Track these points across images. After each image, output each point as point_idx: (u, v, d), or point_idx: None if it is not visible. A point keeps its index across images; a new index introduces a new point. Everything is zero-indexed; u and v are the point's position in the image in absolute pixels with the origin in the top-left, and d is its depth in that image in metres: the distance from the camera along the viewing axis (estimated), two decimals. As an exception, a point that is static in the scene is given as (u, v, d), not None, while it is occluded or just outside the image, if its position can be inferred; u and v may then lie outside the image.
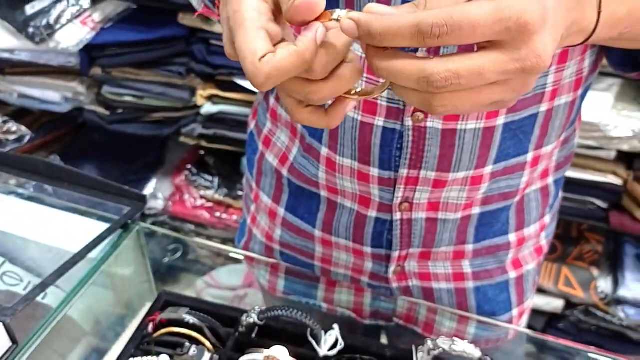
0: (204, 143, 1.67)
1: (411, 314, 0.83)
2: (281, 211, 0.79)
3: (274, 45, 0.38)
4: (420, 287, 0.79)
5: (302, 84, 0.40)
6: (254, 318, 0.71)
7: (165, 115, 1.65)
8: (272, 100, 0.76)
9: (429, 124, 0.60)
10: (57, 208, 0.96)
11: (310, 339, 0.71)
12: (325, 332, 0.72)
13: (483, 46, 0.37)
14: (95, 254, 0.88)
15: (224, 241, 1.80)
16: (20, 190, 0.99)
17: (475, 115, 0.59)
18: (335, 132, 0.66)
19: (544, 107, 0.62)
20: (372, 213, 0.71)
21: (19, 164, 0.97)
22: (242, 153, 1.68)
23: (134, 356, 0.69)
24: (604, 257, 1.68)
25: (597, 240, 1.70)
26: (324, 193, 0.74)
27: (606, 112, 1.34)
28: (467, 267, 0.76)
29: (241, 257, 0.95)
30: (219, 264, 1.89)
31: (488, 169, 0.65)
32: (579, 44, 0.46)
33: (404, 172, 0.65)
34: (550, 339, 0.83)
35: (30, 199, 0.98)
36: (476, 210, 0.70)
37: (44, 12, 1.51)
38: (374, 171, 0.66)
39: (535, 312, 1.66)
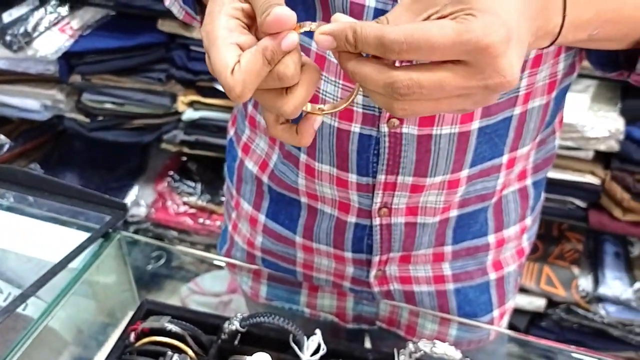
0: (185, 149, 1.67)
1: (393, 317, 0.84)
2: (262, 218, 0.80)
3: None
4: (401, 290, 0.79)
5: (273, 97, 0.41)
6: (236, 325, 0.71)
7: (146, 121, 1.65)
8: (250, 107, 0.76)
9: (404, 130, 0.61)
10: (37, 218, 0.95)
11: (293, 344, 0.71)
12: (308, 338, 0.73)
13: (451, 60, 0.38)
14: (76, 263, 0.88)
15: (208, 247, 1.80)
16: (-1, 201, 0.98)
17: (450, 119, 0.60)
18: (313, 139, 0.66)
19: (517, 110, 0.63)
20: (352, 219, 0.72)
21: (-3, 174, 0.96)
22: (225, 159, 1.68)
23: (115, 366, 0.69)
24: (585, 255, 1.71)
25: (577, 239, 1.72)
26: (304, 199, 0.74)
27: (583, 113, 1.36)
28: (447, 269, 0.77)
29: (224, 264, 0.95)
30: (203, 270, 1.88)
31: (465, 173, 0.65)
32: (545, 47, 0.47)
33: (381, 177, 0.65)
34: (531, 339, 0.84)
35: (9, 209, 0.97)
36: (454, 213, 0.71)
37: (22, 19, 1.50)
38: (352, 177, 0.66)
39: (518, 312, 1.68)
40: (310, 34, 0.42)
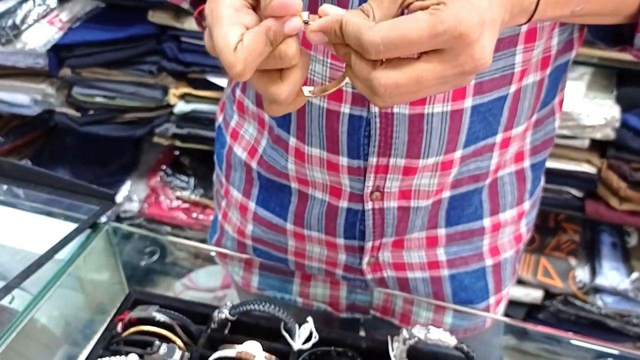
0: (178, 143, 1.65)
1: (387, 305, 0.82)
2: (252, 205, 0.78)
3: None
4: (395, 277, 0.78)
5: (268, 82, 0.42)
6: (225, 314, 0.70)
7: (138, 115, 1.63)
8: (238, 92, 0.74)
9: (395, 110, 0.59)
10: (24, 209, 0.93)
11: (284, 332, 0.69)
12: (300, 326, 0.71)
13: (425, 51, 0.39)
14: (63, 255, 0.86)
15: (202, 242, 1.78)
16: (-16, 192, 0.97)
17: (442, 98, 0.58)
18: (302, 121, 0.64)
19: (512, 88, 0.61)
20: (344, 204, 0.70)
21: (-18, 165, 0.94)
22: (217, 152, 1.66)
23: (102, 357, 0.67)
24: (581, 246, 1.70)
25: (574, 230, 1.71)
26: (294, 185, 0.72)
27: (578, 101, 1.34)
28: (441, 254, 0.75)
29: (222, 265, 0.93)
30: (197, 266, 1.87)
31: (458, 154, 0.64)
32: (523, 24, 0.47)
33: (373, 160, 0.64)
34: (529, 326, 0.83)
35: (-5, 201, 0.95)
36: (446, 194, 0.69)
37: (10, 12, 1.48)
38: (343, 160, 0.65)
39: (515, 303, 1.67)
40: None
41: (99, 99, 1.62)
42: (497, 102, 0.61)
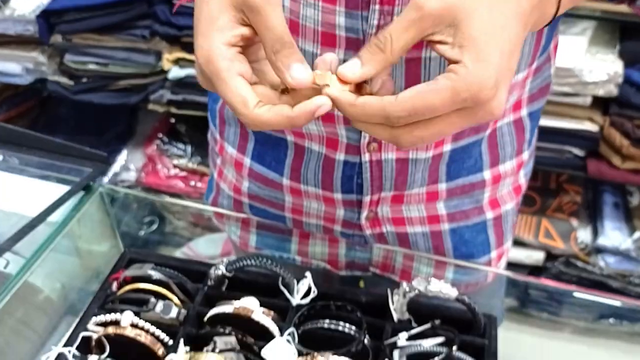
0: (173, 110, 1.63)
1: (387, 262, 0.81)
2: (247, 161, 0.76)
3: (252, 84, 0.45)
4: (394, 232, 0.76)
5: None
6: (222, 270, 0.68)
7: (132, 82, 1.60)
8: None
9: None
10: (15, 173, 0.91)
11: (282, 288, 0.68)
12: (298, 282, 0.70)
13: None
14: (56, 218, 0.85)
15: (200, 210, 1.77)
16: (-25, 156, 0.95)
17: None
18: None
19: None
20: (340, 156, 0.68)
21: (-30, 128, 0.92)
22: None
23: (97, 315, 0.66)
24: (583, 207, 1.68)
25: (575, 191, 1.69)
26: (290, 138, 0.70)
27: (580, 57, 1.31)
28: (441, 208, 0.74)
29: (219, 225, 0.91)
30: (197, 235, 1.86)
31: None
32: (547, 24, 0.49)
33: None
34: (531, 279, 0.82)
35: (-14, 165, 0.93)
36: (447, 147, 0.67)
37: (-4, -23, 1.44)
38: (339, 108, 0.63)
39: (516, 266, 1.66)
40: None
41: (91, 66, 1.59)
42: None
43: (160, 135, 1.78)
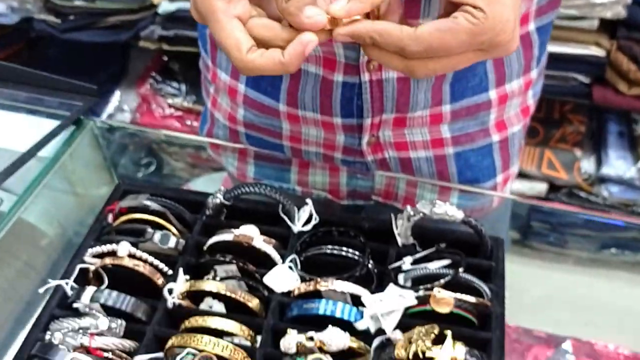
0: (165, 46, 1.57)
1: (390, 189, 0.79)
2: (242, 88, 0.73)
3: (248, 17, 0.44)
4: (397, 158, 0.74)
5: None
6: (220, 198, 0.66)
7: (121, 18, 1.54)
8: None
9: None
10: (4, 109, 0.88)
11: (283, 215, 0.66)
12: (299, 210, 0.68)
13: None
14: (48, 153, 0.82)
15: (197, 149, 1.74)
16: (-40, 92, 0.91)
17: None
18: None
19: None
20: (339, 77, 0.65)
21: (-47, 62, 0.88)
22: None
23: (93, 247, 0.64)
24: (587, 137, 1.65)
25: (579, 120, 1.66)
26: (285, 60, 0.67)
27: (588, -23, 1.26)
28: (445, 131, 0.71)
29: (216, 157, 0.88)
30: (195, 175, 1.83)
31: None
32: None
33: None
34: (536, 202, 0.79)
35: (-27, 100, 0.90)
36: (451, 64, 0.64)
37: None
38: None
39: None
40: None
41: (78, 3, 1.52)
42: None
43: (153, 74, 1.73)
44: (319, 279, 0.60)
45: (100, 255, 0.63)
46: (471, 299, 0.59)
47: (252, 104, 0.73)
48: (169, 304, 0.60)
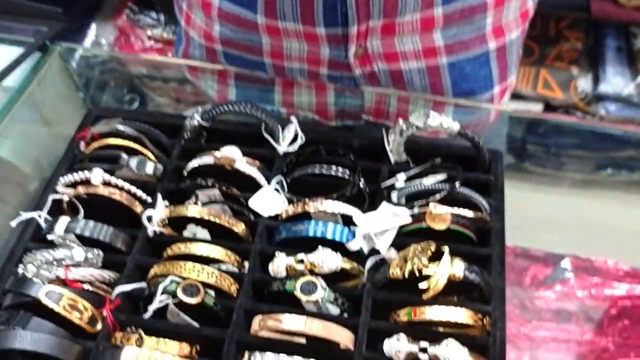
0: (139, -28, 1.48)
1: (381, 107, 0.74)
2: (216, 0, 0.67)
3: None
4: (387, 70, 0.69)
5: None
6: (197, 119, 0.62)
7: (90, -57, 1.44)
8: None
9: None
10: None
11: (266, 135, 0.62)
12: (283, 129, 0.64)
13: None
14: (14, 82, 0.77)
15: (181, 82, 1.68)
16: None
17: None
18: None
19: None
20: (321, -20, 0.59)
21: None
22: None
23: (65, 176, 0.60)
24: (584, 54, 1.59)
25: (576, 37, 1.60)
26: (262, -36, 0.61)
27: None
28: (438, 39, 0.66)
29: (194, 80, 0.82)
30: (181, 110, 1.77)
31: None
32: None
33: None
34: (536, 115, 0.75)
35: None
36: (443, -40, 0.58)
37: None
38: None
39: (513, 119, 1.60)
40: None
41: None
42: None
43: (130, 4, 1.64)
44: (307, 200, 0.57)
45: (74, 185, 0.59)
46: (469, 213, 0.56)
47: (228, 18, 0.67)
48: (149, 232, 0.56)
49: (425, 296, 0.50)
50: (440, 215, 0.55)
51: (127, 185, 0.58)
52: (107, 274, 0.53)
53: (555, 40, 1.60)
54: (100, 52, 0.91)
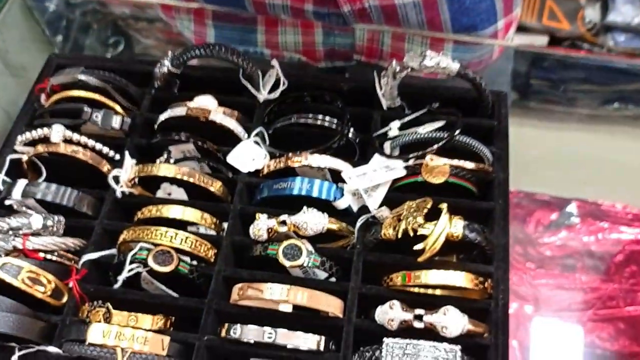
0: None
1: (373, 45, 0.68)
2: None
3: None
4: (379, 5, 0.62)
5: None
6: (167, 66, 0.55)
7: None
8: None
9: None
10: None
11: (244, 81, 0.56)
12: (264, 75, 0.57)
13: None
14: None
15: (167, 23, 1.59)
16: None
17: None
18: None
19: None
20: None
21: None
22: None
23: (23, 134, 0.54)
24: (593, -19, 1.51)
25: (585, -38, 1.51)
26: None
27: None
28: (436, -33, 0.59)
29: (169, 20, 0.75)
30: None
31: None
32: None
33: None
34: (545, 50, 0.69)
35: None
36: None
37: None
38: None
39: (517, 52, 1.53)
40: None
41: None
42: None
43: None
44: (290, 154, 0.51)
45: (34, 143, 0.54)
46: (470, 164, 0.50)
47: (200, -52, 0.60)
48: (118, 194, 0.51)
49: (420, 258, 0.46)
50: (438, 168, 0.50)
51: (91, 142, 0.53)
52: (72, 242, 0.49)
53: (563, -33, 1.51)
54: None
